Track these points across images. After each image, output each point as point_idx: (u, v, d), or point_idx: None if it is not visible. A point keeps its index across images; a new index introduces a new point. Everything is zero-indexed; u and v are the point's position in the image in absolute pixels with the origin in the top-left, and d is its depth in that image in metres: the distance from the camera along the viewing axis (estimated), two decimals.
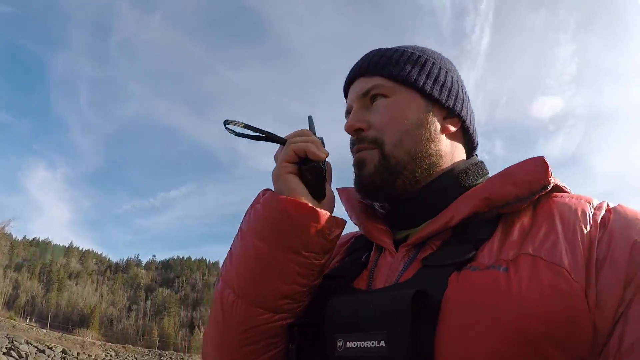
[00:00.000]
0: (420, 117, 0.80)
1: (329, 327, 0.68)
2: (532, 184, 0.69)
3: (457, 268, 0.65)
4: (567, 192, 0.74)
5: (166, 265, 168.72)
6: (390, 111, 0.80)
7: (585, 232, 0.63)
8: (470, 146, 0.89)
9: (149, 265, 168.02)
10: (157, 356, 41.26)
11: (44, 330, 40.19)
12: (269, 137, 0.80)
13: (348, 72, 0.90)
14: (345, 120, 0.86)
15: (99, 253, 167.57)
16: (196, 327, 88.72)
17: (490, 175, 0.83)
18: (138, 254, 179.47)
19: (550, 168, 0.69)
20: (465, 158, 0.86)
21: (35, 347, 31.37)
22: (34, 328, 40.33)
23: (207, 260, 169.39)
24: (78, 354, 34.94)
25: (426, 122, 0.80)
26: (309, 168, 0.75)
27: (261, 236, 0.71)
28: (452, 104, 0.83)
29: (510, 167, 0.72)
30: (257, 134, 0.79)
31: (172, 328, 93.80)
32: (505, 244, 0.66)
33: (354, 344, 0.63)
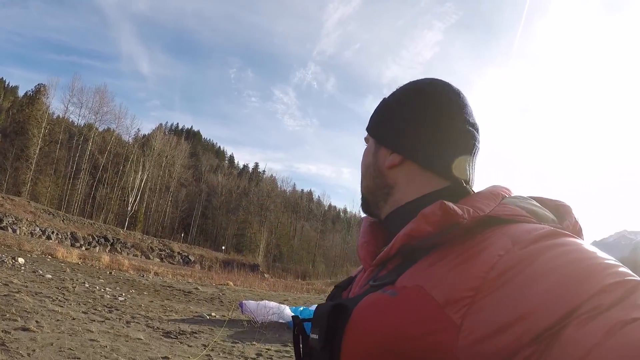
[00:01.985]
0: (369, 160, 1.02)
1: (312, 322, 0.91)
2: (439, 223, 0.76)
3: (378, 289, 0.79)
4: (515, 222, 0.76)
5: None
6: (361, 159, 1.07)
7: (482, 272, 0.66)
8: (440, 173, 0.94)
9: None
10: None
11: None
12: None
13: None
14: None
15: None
16: None
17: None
18: None
19: (450, 209, 0.76)
20: (430, 183, 0.94)
21: None
22: None
23: (7, 82, 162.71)
24: None
25: (372, 163, 1.01)
26: None
27: None
28: (391, 141, 0.97)
29: (425, 209, 0.80)
30: None
31: None
32: (418, 272, 0.76)
33: (313, 336, 0.87)
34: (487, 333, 0.61)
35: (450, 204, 0.77)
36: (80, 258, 22.07)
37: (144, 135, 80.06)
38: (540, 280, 0.61)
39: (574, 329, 0.56)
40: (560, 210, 0.85)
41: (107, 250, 37.91)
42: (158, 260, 43.85)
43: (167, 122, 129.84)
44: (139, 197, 65.32)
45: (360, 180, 1.08)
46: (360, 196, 1.07)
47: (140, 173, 66.69)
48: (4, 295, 8.85)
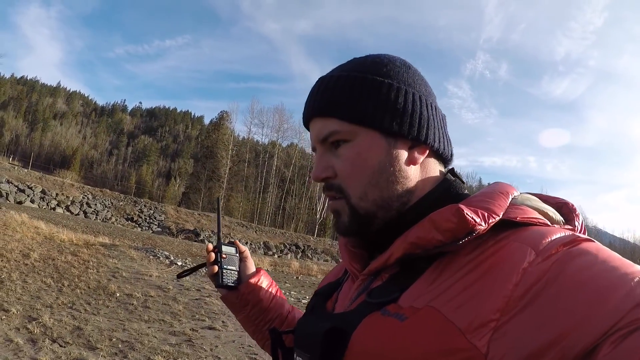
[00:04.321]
0: (382, 161, 0.81)
1: (294, 341, 0.85)
2: (453, 232, 0.69)
3: (378, 308, 0.72)
4: (533, 225, 0.72)
5: (151, 113, 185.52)
6: (352, 161, 0.82)
7: (507, 290, 0.61)
8: (443, 159, 0.90)
9: (134, 112, 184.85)
10: (132, 202, 44.34)
11: (26, 170, 42.90)
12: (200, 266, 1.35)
13: (304, 106, 0.90)
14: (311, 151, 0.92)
15: (86, 95, 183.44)
16: (172, 178, 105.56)
17: (465, 192, 0.86)
18: (125, 100, 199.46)
19: (468, 216, 0.68)
20: (439, 176, 0.87)
21: (16, 186, 34.26)
22: (16, 167, 44.40)
23: (192, 114, 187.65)
24: (57, 194, 37.59)
25: (389, 164, 0.81)
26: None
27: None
28: (415, 132, 0.82)
29: (434, 212, 0.73)
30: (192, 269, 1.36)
31: (150, 176, 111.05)
32: (427, 289, 0.69)
33: (298, 359, 0.80)
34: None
35: (466, 209, 0.70)
36: (271, 265, 23.36)
37: None
38: (570, 297, 0.57)
39: (609, 347, 0.53)
40: (563, 209, 0.82)
41: (298, 257, 40.19)
42: None
43: None
44: (326, 205, 68.04)
45: (354, 194, 0.83)
46: (353, 217, 0.84)
47: None
48: (196, 299, 9.76)
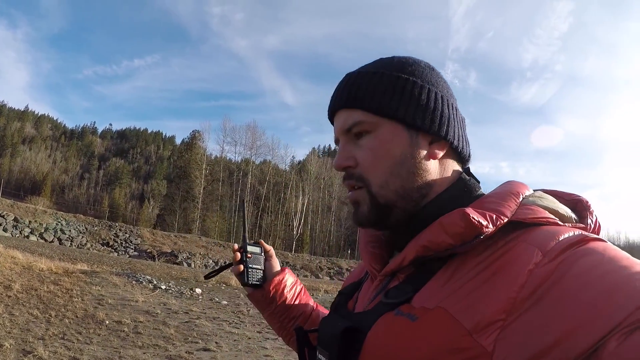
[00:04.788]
0: (405, 152, 0.84)
1: (317, 339, 0.90)
2: (462, 235, 0.71)
3: (392, 308, 0.75)
4: (543, 225, 0.73)
5: (122, 135, 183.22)
6: (374, 150, 0.84)
7: (513, 291, 0.62)
8: (461, 158, 0.92)
9: (104, 134, 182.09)
10: (107, 227, 44.19)
11: None
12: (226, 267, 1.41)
13: (330, 99, 0.94)
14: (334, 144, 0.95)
15: (55, 118, 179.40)
16: (146, 200, 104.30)
17: (480, 191, 0.88)
18: (94, 122, 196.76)
19: (475, 220, 0.70)
20: (455, 175, 0.89)
21: None
22: None
23: (164, 134, 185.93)
24: (30, 222, 37.56)
25: (411, 156, 0.84)
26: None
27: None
28: (436, 127, 0.85)
29: (443, 216, 0.75)
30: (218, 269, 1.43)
31: (123, 199, 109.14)
32: (438, 290, 0.72)
33: (320, 357, 0.84)
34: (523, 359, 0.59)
35: (473, 214, 0.72)
36: None
37: (299, 162, 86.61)
38: (574, 298, 0.58)
39: (615, 343, 0.54)
40: (577, 206, 0.82)
41: None
42: (327, 278, 45.04)
43: (319, 145, 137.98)
44: (302, 221, 68.09)
45: (375, 183, 0.86)
46: (372, 206, 0.86)
47: (301, 197, 69.86)
48: (186, 321, 9.77)
